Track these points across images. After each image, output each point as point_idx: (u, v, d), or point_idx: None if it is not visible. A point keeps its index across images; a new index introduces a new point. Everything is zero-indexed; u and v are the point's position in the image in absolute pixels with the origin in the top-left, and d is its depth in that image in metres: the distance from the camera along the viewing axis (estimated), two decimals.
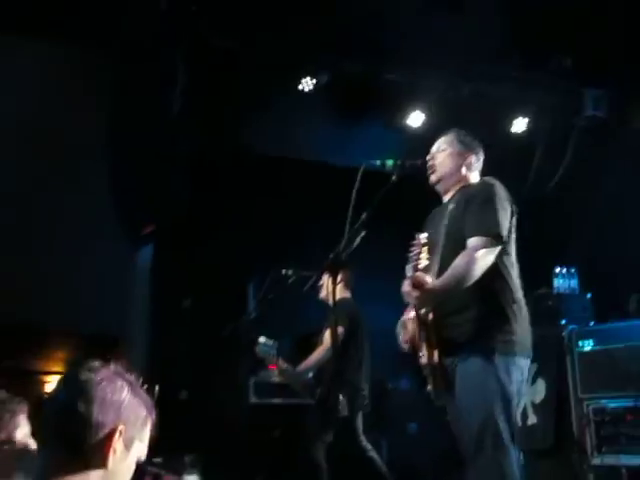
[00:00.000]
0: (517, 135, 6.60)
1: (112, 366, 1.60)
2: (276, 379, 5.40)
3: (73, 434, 1.49)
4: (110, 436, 1.50)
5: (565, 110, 6.49)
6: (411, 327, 3.10)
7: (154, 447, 1.67)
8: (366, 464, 4.77)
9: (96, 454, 1.49)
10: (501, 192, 3.09)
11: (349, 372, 4.76)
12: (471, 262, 2.88)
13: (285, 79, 5.96)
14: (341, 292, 4.91)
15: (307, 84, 5.96)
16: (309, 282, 3.78)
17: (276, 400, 5.86)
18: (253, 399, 5.81)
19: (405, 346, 3.15)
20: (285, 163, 6.72)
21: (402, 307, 3.23)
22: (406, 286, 2.96)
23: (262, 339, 4.91)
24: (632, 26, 5.56)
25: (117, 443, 1.51)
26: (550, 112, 6.52)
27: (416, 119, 6.32)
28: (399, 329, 3.19)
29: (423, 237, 2.96)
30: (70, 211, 5.88)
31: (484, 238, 2.93)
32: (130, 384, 1.59)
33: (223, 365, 5.95)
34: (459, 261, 2.91)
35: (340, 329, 4.73)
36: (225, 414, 5.79)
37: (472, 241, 2.94)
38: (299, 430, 4.90)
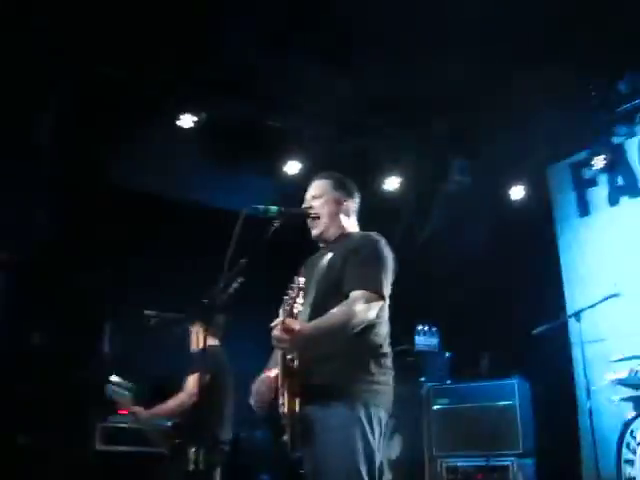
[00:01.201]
0: (389, 193, 6.78)
1: None
2: (129, 425, 5.08)
3: None
4: None
5: (434, 174, 6.74)
6: (270, 387, 3.01)
7: None
8: None
9: None
10: (386, 250, 3.09)
11: (211, 423, 4.56)
12: (351, 314, 2.84)
13: (163, 113, 5.80)
14: (210, 339, 4.75)
15: (186, 121, 5.80)
16: (177, 326, 3.61)
17: (124, 447, 5.57)
18: (99, 445, 5.49)
19: (259, 409, 3.04)
20: (155, 199, 6.55)
21: (260, 354, 3.14)
22: (276, 330, 2.88)
23: (114, 378, 4.64)
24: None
25: None
26: (420, 174, 6.76)
27: (293, 167, 6.35)
28: (258, 387, 3.08)
29: (301, 281, 2.89)
30: None
31: (367, 293, 2.90)
32: None
33: (70, 409, 5.59)
34: (339, 311, 2.86)
35: (206, 377, 4.53)
36: (69, 461, 5.42)
37: (355, 294, 2.90)
38: None
